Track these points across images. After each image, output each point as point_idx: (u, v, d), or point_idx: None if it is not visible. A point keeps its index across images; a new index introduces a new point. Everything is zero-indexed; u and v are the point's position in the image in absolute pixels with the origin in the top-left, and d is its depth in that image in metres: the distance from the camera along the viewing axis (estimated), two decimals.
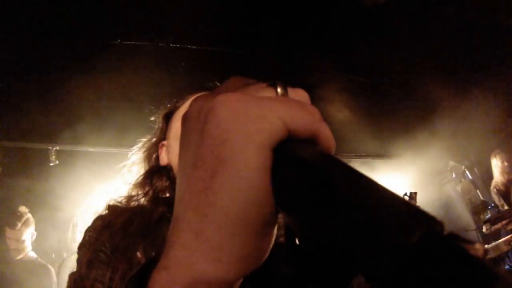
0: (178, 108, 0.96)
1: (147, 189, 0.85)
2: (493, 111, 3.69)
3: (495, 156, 3.90)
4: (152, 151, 0.95)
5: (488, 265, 0.16)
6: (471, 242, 0.16)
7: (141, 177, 0.88)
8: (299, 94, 0.34)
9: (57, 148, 3.15)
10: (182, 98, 0.99)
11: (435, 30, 3.21)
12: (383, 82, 3.76)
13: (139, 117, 2.84)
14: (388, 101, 4.01)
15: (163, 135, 0.96)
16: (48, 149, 3.13)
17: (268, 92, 0.32)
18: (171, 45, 2.65)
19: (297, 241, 0.30)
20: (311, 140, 0.29)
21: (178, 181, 0.32)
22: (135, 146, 1.01)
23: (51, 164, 3.10)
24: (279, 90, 0.33)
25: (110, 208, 0.83)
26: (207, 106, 0.30)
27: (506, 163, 3.78)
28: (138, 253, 0.68)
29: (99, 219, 0.79)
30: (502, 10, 2.91)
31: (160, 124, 0.98)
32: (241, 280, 0.29)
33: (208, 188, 0.27)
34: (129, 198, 0.86)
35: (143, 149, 0.97)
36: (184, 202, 0.29)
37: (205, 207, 0.27)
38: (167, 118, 0.98)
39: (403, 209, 0.19)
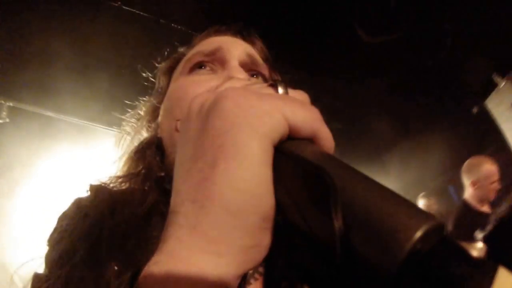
0: (180, 61, 0.74)
1: (139, 167, 0.66)
2: (442, 154, 4.11)
3: (422, 199, 4.13)
4: (151, 118, 0.74)
5: (487, 262, 0.17)
6: (473, 241, 0.18)
7: (133, 151, 0.68)
8: (300, 95, 0.35)
9: (11, 104, 2.78)
10: (187, 46, 0.76)
11: (405, 77, 3.54)
12: (349, 110, 3.99)
13: (120, 91, 2.65)
14: (349, 131, 4.25)
15: (163, 96, 0.73)
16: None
17: (269, 91, 0.33)
18: (173, 24, 2.54)
19: (296, 241, 0.30)
20: (310, 140, 0.29)
21: (175, 176, 0.31)
22: (130, 113, 0.77)
23: (0, 121, 2.72)
24: (280, 89, 0.34)
25: (92, 189, 0.63)
26: (209, 100, 0.30)
27: (434, 207, 4.11)
28: (117, 258, 0.50)
29: (76, 204, 0.61)
30: (468, 68, 3.32)
31: (160, 82, 0.77)
32: (239, 280, 0.27)
33: (207, 178, 0.26)
34: (117, 178, 0.65)
35: (139, 116, 0.76)
36: (181, 195, 0.28)
37: (204, 198, 0.26)
38: (169, 74, 0.76)
39: (404, 209, 0.20)
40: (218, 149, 0.26)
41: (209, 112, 0.29)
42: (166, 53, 0.81)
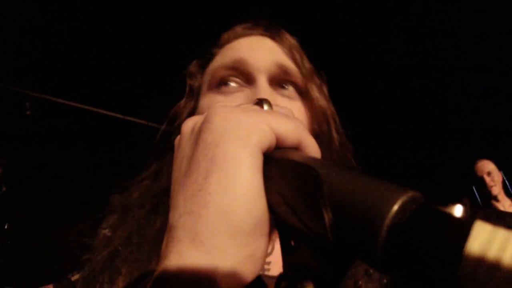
0: (209, 61, 0.68)
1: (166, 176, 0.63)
2: None
3: None
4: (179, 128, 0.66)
5: (464, 218, 0.18)
6: (451, 204, 0.19)
7: (169, 156, 0.64)
8: (284, 110, 0.38)
9: None
10: (221, 42, 0.68)
11: None
12: None
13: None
14: None
15: (197, 100, 0.66)
16: None
17: (255, 108, 0.36)
18: None
19: (292, 243, 0.30)
20: (296, 149, 0.32)
21: (172, 194, 0.32)
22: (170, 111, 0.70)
23: None
24: (265, 106, 0.37)
25: (122, 199, 0.64)
26: (200, 121, 0.33)
27: None
28: (153, 263, 0.53)
29: (115, 212, 0.62)
30: None
31: (191, 86, 0.69)
32: None
33: (201, 189, 0.27)
34: (144, 182, 0.66)
35: (178, 117, 0.68)
36: (178, 209, 0.29)
37: (199, 208, 0.27)
38: (200, 74, 0.69)
39: (383, 188, 0.21)
40: (210, 160, 0.28)
41: (200, 130, 0.31)
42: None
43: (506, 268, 0.15)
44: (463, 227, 0.17)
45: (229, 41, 0.66)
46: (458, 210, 0.18)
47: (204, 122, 0.31)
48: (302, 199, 0.25)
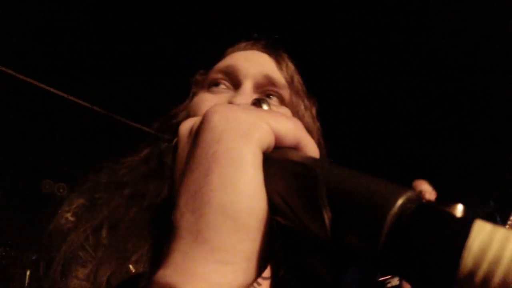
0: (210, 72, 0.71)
1: (153, 164, 0.63)
2: None
3: None
4: (173, 126, 0.68)
5: (463, 217, 0.18)
6: (450, 204, 0.19)
7: (159, 152, 0.65)
8: (283, 111, 0.38)
9: None
10: (224, 54, 0.72)
11: None
12: None
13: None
14: None
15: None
16: None
17: (253, 108, 0.36)
18: None
19: (291, 243, 0.30)
20: (295, 149, 0.32)
21: (174, 194, 0.32)
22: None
23: None
24: (264, 106, 0.38)
25: (97, 177, 0.61)
26: (198, 121, 0.33)
27: None
28: (133, 257, 0.49)
29: (81, 195, 0.57)
30: None
31: (196, 89, 0.73)
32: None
33: (203, 186, 0.27)
34: (128, 165, 0.64)
35: (175, 118, 0.71)
36: (181, 208, 0.29)
37: (202, 206, 0.27)
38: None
39: (383, 186, 0.22)
40: (211, 157, 0.28)
41: (199, 129, 0.31)
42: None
43: (506, 266, 0.15)
44: (463, 226, 0.17)
45: (230, 53, 0.71)
46: (458, 210, 0.18)
47: (202, 122, 0.31)
48: (301, 199, 0.26)
